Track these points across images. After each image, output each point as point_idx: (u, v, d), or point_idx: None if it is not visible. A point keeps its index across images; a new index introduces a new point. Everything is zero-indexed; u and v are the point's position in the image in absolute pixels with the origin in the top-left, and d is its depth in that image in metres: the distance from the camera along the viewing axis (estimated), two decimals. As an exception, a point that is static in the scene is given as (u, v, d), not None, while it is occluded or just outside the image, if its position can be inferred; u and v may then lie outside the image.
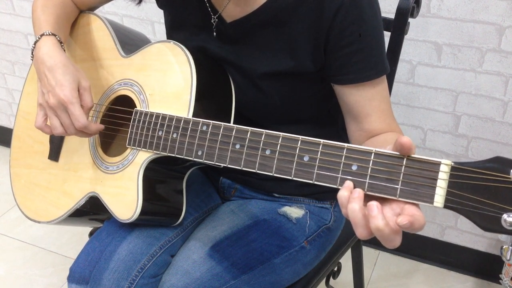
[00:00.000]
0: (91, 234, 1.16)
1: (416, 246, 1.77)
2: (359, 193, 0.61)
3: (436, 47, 1.43)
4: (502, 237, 1.56)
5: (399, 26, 1.05)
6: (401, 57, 1.09)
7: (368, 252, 1.79)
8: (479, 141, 1.51)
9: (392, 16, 1.05)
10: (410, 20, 1.04)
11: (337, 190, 1.08)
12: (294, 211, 1.01)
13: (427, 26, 1.41)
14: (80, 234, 1.89)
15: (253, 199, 1.05)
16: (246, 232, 0.96)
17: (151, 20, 1.76)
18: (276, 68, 0.88)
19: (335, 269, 1.19)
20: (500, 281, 1.56)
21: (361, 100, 0.87)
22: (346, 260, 1.27)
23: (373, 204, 0.59)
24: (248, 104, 0.93)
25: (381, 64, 0.86)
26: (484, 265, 1.68)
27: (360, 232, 0.61)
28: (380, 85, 0.87)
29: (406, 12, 1.02)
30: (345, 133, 0.95)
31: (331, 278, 1.21)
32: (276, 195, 1.04)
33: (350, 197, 0.61)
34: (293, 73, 0.88)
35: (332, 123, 1.01)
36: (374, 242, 1.82)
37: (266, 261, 0.93)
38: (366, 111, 0.87)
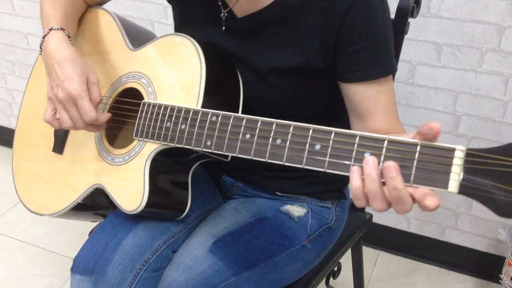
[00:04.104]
0: (90, 233, 1.16)
1: (416, 246, 1.77)
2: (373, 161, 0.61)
3: (436, 47, 1.43)
4: (502, 236, 1.56)
5: (399, 26, 1.05)
6: (401, 57, 1.09)
7: (368, 252, 1.79)
8: (479, 141, 1.51)
9: (392, 16, 1.05)
10: (410, 20, 1.04)
11: (338, 189, 1.09)
12: (296, 210, 1.02)
13: (427, 26, 1.41)
14: (80, 234, 1.89)
15: (255, 197, 1.05)
16: (248, 229, 0.96)
17: (151, 20, 1.76)
18: (285, 64, 0.88)
19: (335, 269, 1.19)
20: (500, 281, 1.56)
21: (367, 98, 0.87)
22: (346, 260, 1.27)
23: (390, 165, 0.59)
24: (256, 100, 0.93)
25: (389, 63, 0.87)
26: (484, 265, 1.68)
27: (378, 204, 0.61)
28: (387, 85, 0.88)
29: (406, 12, 1.02)
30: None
31: (331, 278, 1.21)
32: (278, 193, 1.04)
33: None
34: (302, 69, 0.88)
35: (335, 122, 1.01)
36: (374, 242, 1.82)
37: (268, 258, 0.94)
38: (372, 110, 0.87)
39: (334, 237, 1.07)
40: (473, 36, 1.37)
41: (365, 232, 1.23)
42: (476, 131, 1.49)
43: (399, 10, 1.03)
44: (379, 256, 1.80)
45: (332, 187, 1.06)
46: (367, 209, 1.26)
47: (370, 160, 0.61)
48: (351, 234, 1.17)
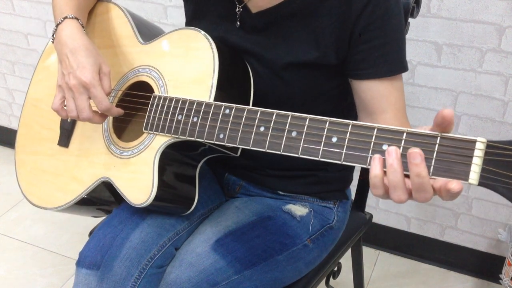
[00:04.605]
0: (90, 234, 1.16)
1: (416, 246, 1.77)
2: (396, 152, 0.61)
3: (436, 47, 1.43)
4: (502, 236, 1.56)
5: (399, 26, 1.05)
6: (401, 57, 1.10)
7: (368, 252, 1.79)
8: (479, 141, 1.51)
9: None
10: (410, 20, 1.04)
11: (341, 190, 1.09)
12: (299, 209, 1.02)
13: (427, 26, 1.41)
14: (81, 234, 1.89)
15: (257, 196, 1.06)
16: (250, 228, 0.96)
17: (151, 20, 1.76)
18: (299, 59, 0.89)
19: (335, 269, 1.19)
20: (500, 281, 1.56)
21: (378, 96, 0.88)
22: (346, 260, 1.27)
23: (416, 152, 0.59)
24: (267, 95, 0.93)
25: (400, 61, 0.88)
26: (484, 265, 1.68)
27: (399, 195, 0.61)
28: (398, 83, 0.89)
29: (406, 12, 1.02)
30: None
31: (331, 278, 1.21)
32: (281, 192, 1.04)
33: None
34: (316, 64, 0.89)
35: None
36: (374, 242, 1.82)
37: (269, 257, 0.94)
38: (382, 108, 0.88)
39: (335, 237, 1.07)
40: (473, 36, 1.37)
41: (365, 232, 1.23)
42: (476, 131, 1.49)
43: (399, 10, 1.03)
44: (379, 256, 1.80)
45: (335, 187, 1.06)
46: (367, 209, 1.26)
47: (392, 150, 0.61)
48: (351, 234, 1.17)
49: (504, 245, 1.62)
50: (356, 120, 0.94)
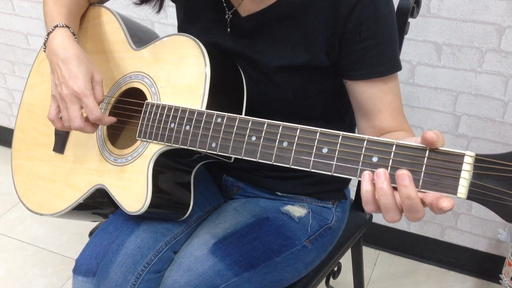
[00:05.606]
0: (91, 234, 1.16)
1: (416, 246, 1.77)
2: (384, 173, 0.61)
3: (436, 47, 1.43)
4: (502, 236, 1.56)
5: (399, 26, 1.04)
6: (401, 57, 1.09)
7: (368, 252, 1.79)
8: (479, 141, 1.51)
9: (392, 16, 1.05)
10: (410, 20, 1.04)
11: (339, 190, 1.09)
12: (297, 210, 1.02)
13: (427, 26, 1.41)
14: (80, 234, 1.89)
15: (255, 197, 1.05)
16: (249, 230, 0.96)
17: (151, 20, 1.76)
18: (291, 62, 0.88)
19: (335, 269, 1.19)
20: (500, 281, 1.56)
21: (373, 96, 0.87)
22: (346, 260, 1.27)
23: (404, 173, 0.58)
24: (260, 99, 0.92)
25: (394, 60, 0.87)
26: (484, 265, 1.68)
27: (392, 216, 0.62)
28: (392, 82, 0.88)
29: (406, 12, 1.02)
30: (352, 131, 0.95)
31: (331, 278, 1.21)
32: (279, 193, 1.04)
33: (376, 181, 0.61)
34: (307, 67, 0.88)
35: (340, 122, 1.01)
36: (374, 242, 1.82)
37: (268, 259, 0.94)
38: (378, 108, 0.88)
39: (334, 237, 1.07)
40: (473, 36, 1.37)
41: (365, 232, 1.23)
42: (476, 131, 1.49)
43: (399, 10, 1.03)
44: (379, 256, 1.80)
45: (333, 187, 1.06)
46: (367, 209, 1.26)
47: (381, 173, 0.60)
48: (351, 234, 1.17)
49: (504, 245, 1.62)
50: (354, 119, 0.95)
